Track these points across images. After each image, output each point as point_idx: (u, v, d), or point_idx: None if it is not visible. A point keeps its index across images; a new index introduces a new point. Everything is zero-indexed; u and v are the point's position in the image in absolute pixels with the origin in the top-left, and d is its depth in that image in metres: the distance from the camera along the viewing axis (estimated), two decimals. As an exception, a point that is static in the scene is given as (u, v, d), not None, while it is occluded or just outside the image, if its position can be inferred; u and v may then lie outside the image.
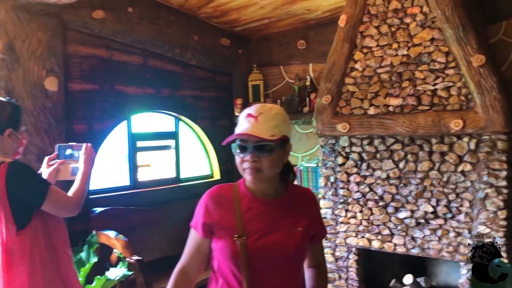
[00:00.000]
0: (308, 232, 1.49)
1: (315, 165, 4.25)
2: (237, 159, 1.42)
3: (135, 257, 2.94)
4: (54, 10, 2.95)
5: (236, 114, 4.62)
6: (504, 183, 2.97)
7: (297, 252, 1.44)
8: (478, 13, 3.31)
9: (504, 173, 2.97)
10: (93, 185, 3.45)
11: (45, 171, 2.16)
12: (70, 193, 2.00)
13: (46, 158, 2.21)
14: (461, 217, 3.14)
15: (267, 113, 1.39)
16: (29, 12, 2.85)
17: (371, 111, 3.38)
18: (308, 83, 4.35)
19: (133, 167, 3.83)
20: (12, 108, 1.96)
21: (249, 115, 1.40)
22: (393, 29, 3.34)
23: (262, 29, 4.50)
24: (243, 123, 1.40)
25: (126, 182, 3.80)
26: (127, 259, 2.93)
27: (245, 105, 4.63)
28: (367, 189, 3.50)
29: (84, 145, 2.19)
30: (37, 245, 1.85)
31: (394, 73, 3.32)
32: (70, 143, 2.27)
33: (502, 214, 2.98)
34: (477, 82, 2.97)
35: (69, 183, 2.12)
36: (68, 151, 2.23)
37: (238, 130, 1.40)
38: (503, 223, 2.99)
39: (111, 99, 3.52)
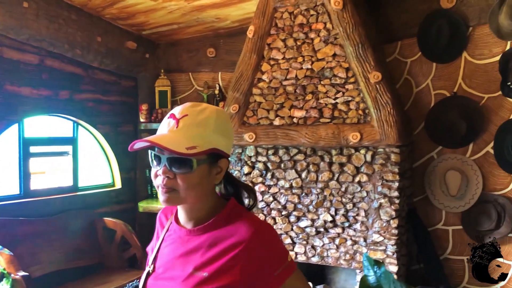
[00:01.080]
0: (222, 280, 1.07)
1: (221, 174, 4.23)
2: (152, 171, 1.14)
3: (21, 273, 2.70)
4: None
5: (141, 120, 4.47)
6: (396, 193, 3.17)
7: None
8: (376, 32, 3.52)
9: (396, 184, 3.17)
10: (-25, 194, 3.12)
11: None
12: None
13: None
14: (357, 226, 3.29)
15: (194, 117, 1.09)
16: None
17: (277, 121, 3.44)
18: (217, 92, 4.33)
19: (25, 175, 3.52)
20: None
21: (171, 115, 1.11)
22: (298, 43, 3.43)
23: (171, 34, 4.41)
24: (162, 126, 1.12)
25: (15, 190, 3.48)
26: (11, 275, 2.68)
27: (151, 111, 4.50)
28: (271, 199, 3.55)
29: None
30: None
31: (298, 85, 3.41)
32: None
33: (394, 223, 3.17)
34: (374, 98, 3.14)
35: None
36: None
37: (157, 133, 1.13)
38: (395, 231, 3.18)
39: (1, 99, 3.22)
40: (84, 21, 3.69)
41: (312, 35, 3.38)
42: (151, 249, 1.26)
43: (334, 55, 3.32)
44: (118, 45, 4.11)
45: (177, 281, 1.11)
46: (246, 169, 3.60)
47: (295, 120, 3.40)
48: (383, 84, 3.15)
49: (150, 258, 1.22)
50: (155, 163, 1.10)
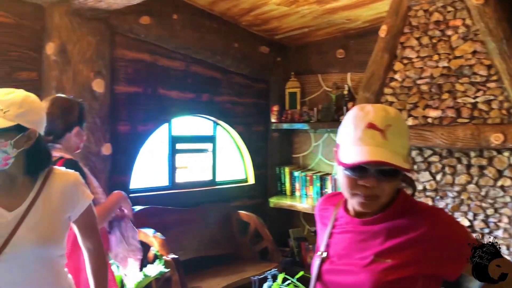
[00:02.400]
0: (409, 270, 1.10)
1: (349, 174, 4.24)
2: (345, 179, 1.15)
3: (172, 255, 3.03)
4: (104, 15, 3.10)
5: (273, 120, 4.67)
6: (545, 200, 2.91)
7: None
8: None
9: (545, 190, 2.91)
10: (134, 184, 3.58)
11: None
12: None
13: None
14: (499, 232, 3.09)
15: (398, 126, 1.12)
16: (80, 17, 3.00)
17: (410, 122, 3.37)
18: (345, 92, 4.36)
19: (172, 169, 3.94)
20: (80, 108, 2.11)
21: (371, 125, 1.11)
22: (434, 40, 3.32)
23: (302, 38, 4.55)
24: (363, 137, 1.11)
25: (164, 182, 3.91)
26: (164, 257, 3.03)
27: (281, 111, 4.68)
28: (402, 200, 3.48)
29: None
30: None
31: (434, 84, 3.30)
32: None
33: (542, 231, 2.92)
34: (520, 96, 2.92)
35: None
36: None
37: (354, 143, 1.12)
38: (543, 241, 2.92)
39: (154, 102, 3.65)
40: (223, 28, 4.00)
41: (449, 32, 3.25)
42: (320, 238, 1.33)
43: (474, 52, 3.15)
44: (252, 50, 4.37)
45: (357, 267, 1.15)
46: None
47: (429, 120, 3.29)
48: (532, 81, 2.91)
49: (321, 245, 1.29)
50: (355, 173, 1.12)
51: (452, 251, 1.12)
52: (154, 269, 2.88)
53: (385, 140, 1.10)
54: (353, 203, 1.19)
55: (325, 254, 1.26)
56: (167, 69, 3.75)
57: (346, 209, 1.28)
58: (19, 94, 1.45)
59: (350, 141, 1.13)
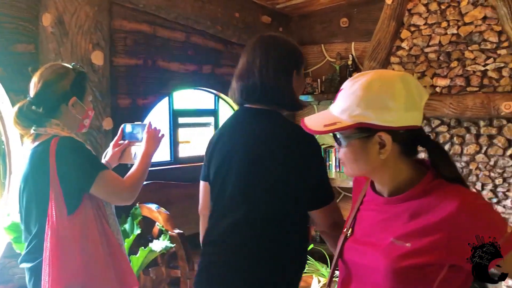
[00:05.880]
0: (429, 257, 1.01)
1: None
2: None
3: (177, 230, 3.00)
4: (101, -16, 2.98)
5: (275, 92, 4.58)
6: (556, 169, 2.87)
7: (393, 275, 1.04)
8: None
9: (556, 159, 2.87)
10: (136, 159, 3.53)
11: (109, 153, 1.99)
12: (125, 177, 1.77)
13: (115, 139, 2.05)
14: (508, 202, 3.05)
15: (346, 91, 1.07)
16: (77, -14, 2.88)
17: (417, 91, 3.30)
18: (350, 62, 4.26)
19: (174, 143, 3.88)
20: (76, 74, 1.74)
21: (339, 91, 1.11)
22: (442, 7, 3.22)
23: (304, 7, 4.42)
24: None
25: (167, 157, 3.86)
26: (169, 232, 2.99)
27: (285, 84, 4.59)
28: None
29: (147, 124, 1.94)
30: (89, 229, 1.66)
31: (442, 52, 3.22)
32: (137, 123, 2.04)
33: (552, 200, 2.88)
34: (533, 63, 2.85)
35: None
36: (136, 130, 1.99)
37: None
38: (553, 210, 2.89)
39: (155, 74, 3.55)
40: (224, -2, 3.88)
41: (458, -3, 3.15)
42: (350, 213, 1.26)
43: (484, 18, 3.06)
44: (254, 20, 4.25)
45: (377, 248, 1.08)
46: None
47: (437, 89, 3.22)
48: (544, 47, 2.83)
49: (349, 221, 1.23)
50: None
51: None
52: (160, 244, 2.85)
53: (333, 103, 1.10)
54: None
55: (350, 231, 1.19)
56: (167, 41, 3.64)
57: (373, 185, 1.20)
58: None
59: None
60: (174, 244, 2.93)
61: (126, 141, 2.01)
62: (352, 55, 4.31)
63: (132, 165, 1.87)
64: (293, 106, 1.58)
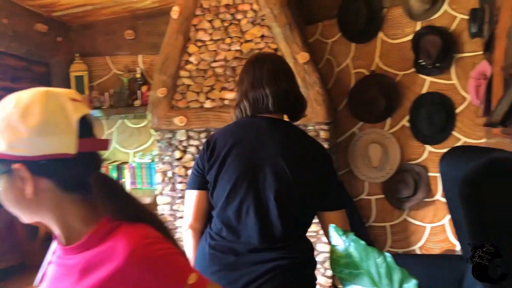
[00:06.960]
0: None
1: (149, 160, 4.12)
2: None
3: None
4: None
5: (57, 108, 4.17)
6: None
7: None
8: (298, 13, 3.62)
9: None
10: None
11: None
12: None
13: None
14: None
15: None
16: None
17: (208, 104, 3.42)
18: (138, 75, 4.17)
19: None
20: None
21: None
22: (225, 24, 3.41)
23: (85, 16, 4.14)
24: None
25: None
26: None
27: (68, 98, 4.21)
28: (205, 182, 3.54)
29: None
30: None
31: (228, 67, 3.41)
32: None
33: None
34: (303, 78, 3.24)
35: None
36: None
37: None
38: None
39: None
40: (-13, 1, 3.34)
41: (239, 16, 3.38)
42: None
43: (262, 36, 3.36)
44: (27, 27, 3.78)
45: None
46: (177, 154, 3.54)
47: (226, 102, 3.40)
48: (310, 64, 3.26)
49: (37, 276, 1.04)
50: None
51: None
52: None
53: None
54: None
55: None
56: None
57: None
58: None
59: None
60: None
61: None
62: (140, 68, 4.23)
63: None
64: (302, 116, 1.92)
